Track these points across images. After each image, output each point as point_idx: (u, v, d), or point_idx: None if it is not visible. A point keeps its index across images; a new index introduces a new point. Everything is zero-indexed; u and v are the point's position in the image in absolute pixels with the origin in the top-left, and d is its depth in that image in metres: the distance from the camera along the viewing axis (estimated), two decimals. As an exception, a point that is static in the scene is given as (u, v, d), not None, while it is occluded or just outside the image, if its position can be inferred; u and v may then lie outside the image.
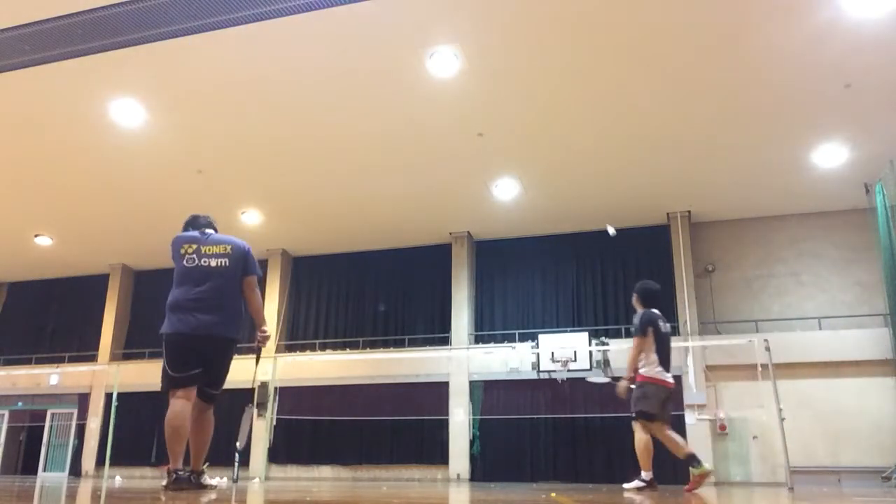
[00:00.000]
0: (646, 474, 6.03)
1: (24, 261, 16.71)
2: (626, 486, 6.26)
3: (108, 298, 16.94)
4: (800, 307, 13.16)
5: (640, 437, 6.09)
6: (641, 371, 6.15)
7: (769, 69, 9.17)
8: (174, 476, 4.16)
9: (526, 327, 14.23)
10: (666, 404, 6.14)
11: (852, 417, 11.83)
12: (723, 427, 12.41)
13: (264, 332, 4.37)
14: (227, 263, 4.45)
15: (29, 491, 5.15)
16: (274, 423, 14.71)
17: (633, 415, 6.16)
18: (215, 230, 4.78)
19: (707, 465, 6.00)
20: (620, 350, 12.99)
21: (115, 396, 13.62)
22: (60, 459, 16.19)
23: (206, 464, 4.56)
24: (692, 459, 5.90)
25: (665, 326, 6.28)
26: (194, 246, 4.53)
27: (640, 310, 6.34)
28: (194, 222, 4.76)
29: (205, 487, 4.37)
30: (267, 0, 7.90)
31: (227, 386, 4.71)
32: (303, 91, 9.82)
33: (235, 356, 4.58)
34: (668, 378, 6.13)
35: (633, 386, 6.20)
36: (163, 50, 8.80)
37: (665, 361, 6.13)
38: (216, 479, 4.62)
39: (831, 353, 12.14)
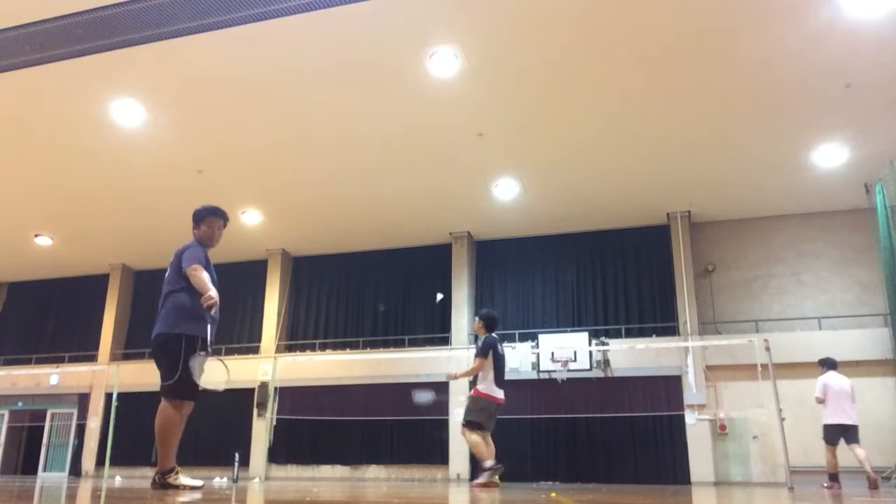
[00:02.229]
0: (490, 462, 6.87)
1: (24, 261, 16.71)
2: (476, 481, 7.01)
3: (108, 298, 16.95)
4: (800, 307, 13.16)
5: (474, 438, 6.99)
6: (479, 387, 7.10)
7: (769, 69, 9.17)
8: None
9: (526, 327, 14.23)
10: (494, 416, 7.15)
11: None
12: (723, 427, 12.41)
13: (206, 297, 4.39)
14: (168, 271, 4.76)
15: (29, 491, 5.15)
16: (274, 423, 14.71)
17: (464, 422, 7.10)
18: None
19: (497, 478, 6.92)
20: (620, 350, 13.01)
21: (115, 396, 13.61)
22: (60, 459, 16.19)
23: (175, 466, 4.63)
24: (493, 468, 6.86)
25: (501, 348, 7.34)
26: None
27: (482, 334, 7.28)
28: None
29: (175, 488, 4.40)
30: (267, 0, 7.90)
31: (225, 385, 4.85)
32: (303, 91, 9.82)
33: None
34: (500, 395, 7.12)
35: (470, 396, 7.20)
36: (163, 50, 8.80)
37: (500, 379, 7.14)
38: (191, 480, 4.59)
39: (831, 353, 12.00)
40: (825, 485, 9.08)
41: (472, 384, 7.43)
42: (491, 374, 7.09)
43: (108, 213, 13.92)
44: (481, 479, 6.85)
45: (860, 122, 10.39)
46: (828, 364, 9.31)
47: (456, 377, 7.78)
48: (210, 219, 4.87)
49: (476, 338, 7.46)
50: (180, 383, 4.43)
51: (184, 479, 4.52)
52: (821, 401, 9.11)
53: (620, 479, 12.43)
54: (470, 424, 7.06)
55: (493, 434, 7.22)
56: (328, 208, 13.82)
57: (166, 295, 4.63)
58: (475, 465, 13.28)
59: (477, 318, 7.56)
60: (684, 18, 8.28)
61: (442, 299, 10.32)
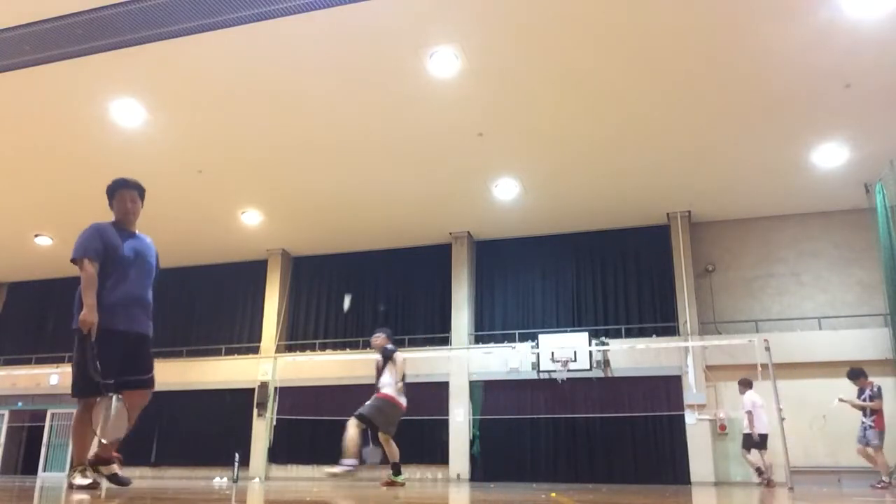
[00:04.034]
0: (349, 460, 7.21)
1: (24, 261, 16.71)
2: (330, 469, 7.42)
3: (108, 298, 16.92)
4: (800, 307, 13.16)
5: (354, 433, 7.30)
6: (386, 391, 7.48)
7: (769, 69, 9.17)
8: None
9: (526, 327, 14.23)
10: (395, 421, 7.50)
11: (852, 417, 11.79)
12: (723, 427, 12.42)
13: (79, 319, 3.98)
14: None
15: (29, 491, 5.15)
16: (274, 423, 14.72)
17: (358, 415, 7.36)
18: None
19: (402, 478, 7.44)
20: (620, 350, 13.01)
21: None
22: (60, 459, 16.19)
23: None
24: (396, 468, 7.42)
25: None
26: None
27: (389, 345, 7.78)
28: None
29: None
30: (267, 0, 7.90)
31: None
32: (303, 91, 9.82)
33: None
34: (404, 402, 7.54)
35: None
36: (163, 50, 8.80)
37: (403, 387, 7.58)
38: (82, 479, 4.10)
39: (831, 353, 12.13)
40: (759, 480, 10.59)
41: (378, 388, 7.61)
42: (401, 383, 7.52)
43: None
44: (336, 469, 7.20)
45: (860, 122, 10.39)
46: (747, 383, 10.82)
47: (401, 387, 7.65)
48: (119, 192, 4.44)
49: (384, 349, 7.75)
50: (74, 381, 4.06)
51: (78, 478, 4.07)
52: (751, 414, 10.54)
53: (620, 479, 12.43)
54: (361, 418, 7.32)
55: (397, 437, 7.54)
56: (328, 208, 13.81)
57: None
58: (475, 465, 13.32)
59: (384, 335, 7.94)
60: (684, 18, 8.28)
61: (349, 301, 10.94)
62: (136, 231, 4.55)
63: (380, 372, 7.67)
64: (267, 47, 8.87)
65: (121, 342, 4.09)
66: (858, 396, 9.89)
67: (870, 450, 9.67)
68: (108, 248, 4.22)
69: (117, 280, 4.18)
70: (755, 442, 10.56)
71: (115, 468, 4.22)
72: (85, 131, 10.87)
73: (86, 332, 3.96)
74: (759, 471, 10.57)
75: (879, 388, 9.74)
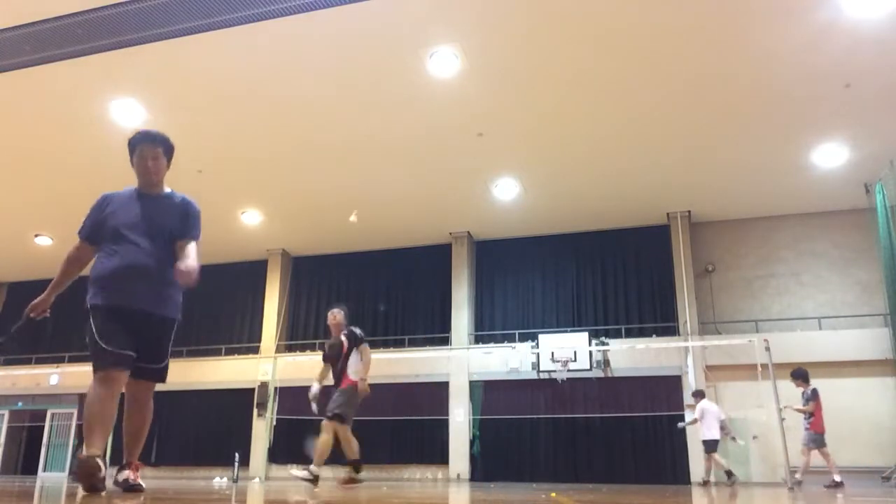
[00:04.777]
0: (316, 469, 6.65)
1: (24, 261, 16.71)
2: (295, 472, 6.94)
3: (108, 298, 16.93)
4: (800, 307, 13.16)
5: (327, 438, 6.68)
6: (352, 377, 6.77)
7: (769, 69, 9.17)
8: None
9: (526, 327, 14.23)
10: (356, 410, 6.90)
11: (852, 417, 11.82)
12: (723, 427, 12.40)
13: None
14: None
15: (29, 491, 5.15)
16: (274, 423, 14.72)
17: (331, 415, 6.67)
18: None
19: (363, 475, 6.83)
20: (620, 350, 13.01)
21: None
22: (60, 459, 16.19)
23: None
24: (357, 463, 6.75)
25: None
26: None
27: (356, 329, 7.05)
28: None
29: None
30: (267, 0, 7.90)
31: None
32: (303, 91, 9.82)
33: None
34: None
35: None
36: (163, 50, 8.80)
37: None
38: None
39: (831, 353, 12.13)
40: (701, 482, 11.13)
41: (341, 375, 6.86)
42: (365, 379, 6.76)
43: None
44: (300, 473, 6.74)
45: (860, 122, 10.39)
46: (700, 394, 11.43)
47: (366, 383, 6.82)
48: (139, 148, 3.74)
49: (351, 331, 7.00)
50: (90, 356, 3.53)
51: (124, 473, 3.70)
52: (696, 421, 11.07)
53: (620, 479, 12.43)
54: (338, 417, 6.65)
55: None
56: (328, 208, 13.81)
57: None
58: (475, 465, 13.32)
59: (341, 312, 7.13)
60: (685, 18, 8.28)
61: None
62: (166, 190, 3.84)
63: (344, 357, 6.87)
64: (267, 47, 8.87)
65: (116, 318, 3.46)
66: (802, 397, 10.34)
67: (812, 450, 10.06)
68: (106, 218, 3.66)
69: (111, 252, 3.57)
70: (712, 446, 10.95)
71: (128, 473, 3.73)
72: (85, 131, 10.87)
73: (32, 315, 3.80)
74: (728, 473, 10.78)
75: (814, 391, 10.11)
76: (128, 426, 3.74)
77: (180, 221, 3.74)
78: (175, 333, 3.75)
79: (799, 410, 10.19)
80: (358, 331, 7.06)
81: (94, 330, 3.46)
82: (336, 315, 7.12)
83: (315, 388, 6.94)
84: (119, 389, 3.48)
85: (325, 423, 6.73)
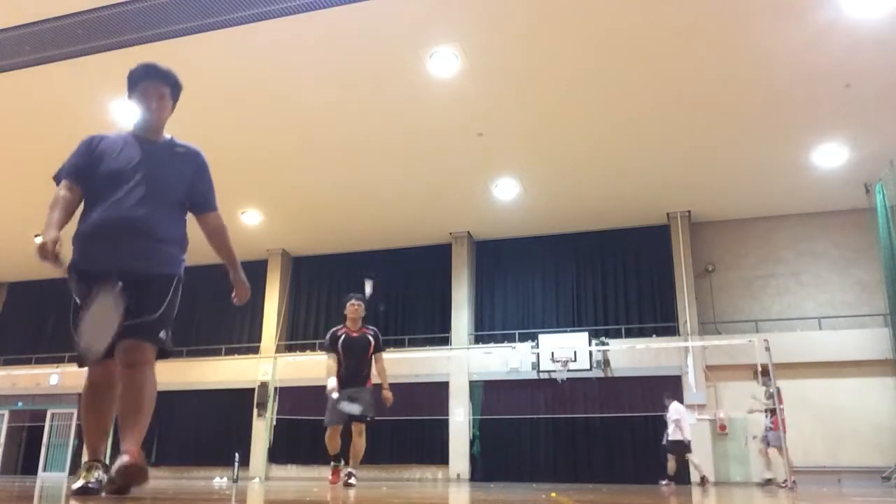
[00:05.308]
0: (357, 472, 6.50)
1: (24, 261, 16.70)
2: (352, 481, 6.49)
3: (108, 298, 16.93)
4: (800, 307, 13.16)
5: (363, 440, 6.54)
6: (373, 380, 6.66)
7: (769, 69, 9.17)
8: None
9: (526, 327, 14.23)
10: None
11: (852, 417, 11.83)
12: (723, 427, 12.42)
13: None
14: None
15: (29, 491, 5.15)
16: (274, 423, 14.71)
17: (370, 418, 6.53)
18: None
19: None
20: (620, 350, 13.01)
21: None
22: (60, 459, 16.19)
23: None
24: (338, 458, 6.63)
25: None
26: None
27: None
28: None
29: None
30: (267, 0, 7.90)
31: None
32: (303, 91, 9.82)
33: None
34: None
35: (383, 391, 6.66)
36: (163, 50, 8.79)
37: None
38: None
39: (831, 353, 12.14)
40: (664, 483, 11.10)
41: (367, 375, 6.66)
42: (385, 386, 6.66)
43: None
44: (353, 481, 6.36)
45: (860, 122, 10.39)
46: (675, 397, 11.63)
47: (388, 390, 6.69)
48: (142, 85, 3.18)
49: (378, 334, 6.76)
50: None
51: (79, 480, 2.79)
52: (679, 421, 11.14)
53: (620, 479, 12.42)
54: (368, 421, 6.47)
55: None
56: (328, 208, 13.82)
57: None
58: (475, 465, 13.32)
59: (363, 304, 6.77)
60: (684, 19, 8.28)
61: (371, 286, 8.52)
62: (168, 137, 3.31)
63: (370, 356, 6.66)
64: (267, 47, 8.87)
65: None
66: (765, 395, 10.41)
67: (772, 450, 10.19)
68: (95, 162, 3.10)
69: (95, 201, 3.02)
70: (685, 446, 11.12)
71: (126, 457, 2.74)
72: (85, 131, 10.70)
73: (45, 259, 2.92)
74: (670, 477, 11.11)
75: (777, 390, 10.14)
76: (120, 406, 2.95)
77: (194, 182, 3.24)
78: (174, 333, 3.12)
79: (760, 411, 10.45)
80: (376, 329, 6.85)
81: (73, 307, 2.99)
82: (360, 307, 6.76)
83: (333, 382, 6.54)
84: (111, 376, 2.95)
85: (359, 425, 6.48)
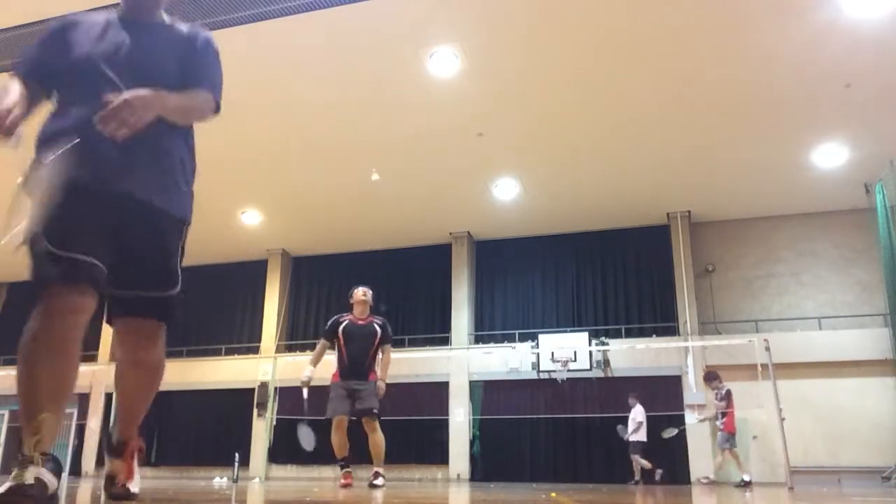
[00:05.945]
0: (383, 471, 6.21)
1: (24, 261, 16.68)
2: (378, 481, 6.22)
3: (108, 298, 16.93)
4: (800, 307, 13.16)
5: (380, 436, 6.22)
6: (378, 372, 6.38)
7: (769, 69, 9.17)
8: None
9: (526, 327, 14.23)
10: None
11: (852, 417, 11.83)
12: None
13: None
14: None
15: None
16: (274, 423, 14.71)
17: (377, 411, 6.21)
18: None
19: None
20: (620, 350, 13.01)
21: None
22: (60, 459, 16.18)
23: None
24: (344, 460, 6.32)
25: None
26: None
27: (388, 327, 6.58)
28: None
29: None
30: (267, 0, 7.90)
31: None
32: (302, 91, 9.82)
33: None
34: None
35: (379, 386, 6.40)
36: (163, 50, 8.79)
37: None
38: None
39: (831, 353, 12.14)
40: (633, 483, 11.40)
41: (371, 367, 6.44)
42: (382, 382, 6.44)
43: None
44: (378, 482, 6.06)
45: (860, 122, 10.40)
46: (637, 398, 11.86)
47: (384, 381, 6.49)
48: None
49: (386, 325, 6.53)
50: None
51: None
52: (641, 424, 11.54)
53: (620, 479, 12.42)
54: (376, 416, 6.21)
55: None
56: (328, 208, 13.82)
57: None
58: (475, 465, 13.32)
59: (370, 291, 6.60)
60: (684, 18, 8.28)
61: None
62: (166, 18, 2.45)
63: (376, 348, 6.45)
64: (267, 47, 8.88)
65: (76, 202, 2.19)
66: (716, 398, 10.65)
67: (725, 452, 10.42)
68: (67, 50, 2.25)
69: (67, 100, 2.26)
70: (642, 447, 11.52)
71: (119, 467, 2.50)
72: (85, 131, 10.86)
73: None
74: (652, 471, 11.45)
75: (728, 391, 10.39)
76: (118, 393, 2.47)
77: (186, 60, 2.39)
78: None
79: (712, 416, 10.76)
80: (385, 322, 6.59)
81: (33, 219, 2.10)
82: (366, 293, 6.54)
83: (309, 372, 6.25)
84: (74, 328, 2.16)
85: (370, 423, 6.24)
